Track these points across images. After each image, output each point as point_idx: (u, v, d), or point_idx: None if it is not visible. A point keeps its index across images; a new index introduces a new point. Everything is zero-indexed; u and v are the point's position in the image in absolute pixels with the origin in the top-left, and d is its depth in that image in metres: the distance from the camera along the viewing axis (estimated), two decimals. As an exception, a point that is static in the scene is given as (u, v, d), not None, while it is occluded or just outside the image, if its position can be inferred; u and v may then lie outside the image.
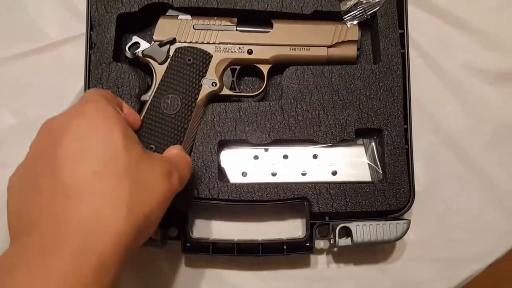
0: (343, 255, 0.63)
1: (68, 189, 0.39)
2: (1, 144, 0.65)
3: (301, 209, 0.60)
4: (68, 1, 0.69)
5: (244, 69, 0.63)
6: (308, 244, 0.58)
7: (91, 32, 0.61)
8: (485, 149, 0.65)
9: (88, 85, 0.60)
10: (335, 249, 0.63)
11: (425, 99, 0.65)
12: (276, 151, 0.61)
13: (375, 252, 0.64)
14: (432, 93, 0.66)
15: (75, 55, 0.66)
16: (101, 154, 0.41)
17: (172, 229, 0.59)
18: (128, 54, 0.62)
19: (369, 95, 0.61)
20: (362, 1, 0.61)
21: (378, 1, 0.61)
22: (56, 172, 0.40)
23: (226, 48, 0.62)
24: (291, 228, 0.64)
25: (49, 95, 0.67)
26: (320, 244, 0.63)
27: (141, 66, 0.62)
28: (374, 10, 0.61)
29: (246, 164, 0.61)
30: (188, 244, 0.59)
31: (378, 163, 0.61)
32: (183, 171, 0.49)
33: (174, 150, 0.52)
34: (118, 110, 0.48)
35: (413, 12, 0.65)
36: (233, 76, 0.63)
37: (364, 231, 0.57)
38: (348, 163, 0.61)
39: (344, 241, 0.58)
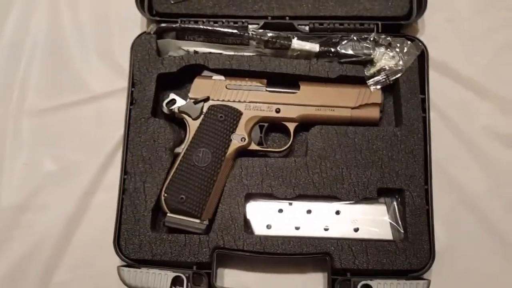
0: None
1: None
2: (42, 188, 0.71)
3: (323, 264, 0.63)
4: (111, 57, 0.76)
5: (271, 126, 0.68)
6: (330, 300, 0.60)
7: (132, 89, 0.67)
8: (504, 212, 0.66)
9: (127, 137, 0.66)
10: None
11: (446, 161, 0.68)
12: (300, 206, 0.65)
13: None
14: (453, 156, 0.69)
15: (115, 108, 0.73)
16: None
17: (198, 277, 0.61)
18: (165, 109, 0.67)
19: (391, 156, 0.64)
20: (385, 68, 0.66)
21: (401, 68, 0.66)
22: None
23: (256, 107, 0.67)
24: (313, 282, 0.66)
25: (87, 145, 0.72)
26: None
27: (176, 121, 0.68)
28: (397, 76, 0.66)
29: (271, 217, 0.65)
30: (213, 294, 0.61)
31: (400, 222, 0.63)
32: None
33: None
34: None
35: (434, 78, 0.70)
36: (261, 133, 0.68)
37: (385, 289, 0.58)
38: (370, 221, 0.63)
39: (365, 299, 0.59)
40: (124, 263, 0.62)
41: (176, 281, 0.60)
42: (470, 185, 0.68)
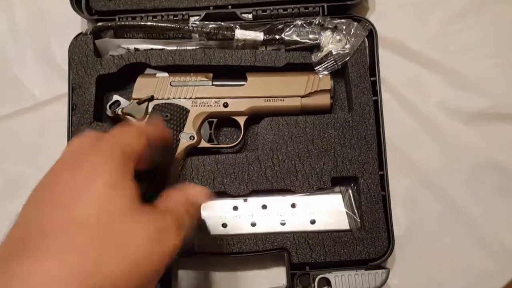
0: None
1: (38, 237, 0.36)
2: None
3: (280, 259, 0.62)
4: (51, 60, 0.73)
5: (221, 121, 0.66)
6: (290, 296, 0.60)
7: (72, 94, 0.65)
8: (463, 188, 0.66)
9: (69, 145, 0.63)
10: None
11: (401, 142, 0.67)
12: (255, 201, 0.64)
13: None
14: (408, 135, 0.68)
15: (58, 115, 0.70)
16: (79, 204, 0.37)
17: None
18: (109, 112, 0.65)
19: (343, 143, 0.63)
20: (332, 52, 0.64)
21: (348, 52, 0.64)
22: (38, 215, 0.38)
23: (203, 103, 0.65)
24: (275, 277, 0.65)
25: (31, 156, 0.70)
26: None
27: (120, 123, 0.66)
28: (345, 60, 0.64)
29: (226, 215, 0.63)
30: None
31: (356, 211, 0.62)
32: (189, 223, 0.43)
33: (179, 198, 0.44)
34: (117, 154, 0.41)
35: (385, 56, 0.68)
36: (210, 129, 0.66)
37: (343, 281, 0.58)
38: (326, 212, 0.62)
39: (324, 291, 0.59)
40: None
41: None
42: (426, 164, 0.67)
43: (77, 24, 0.74)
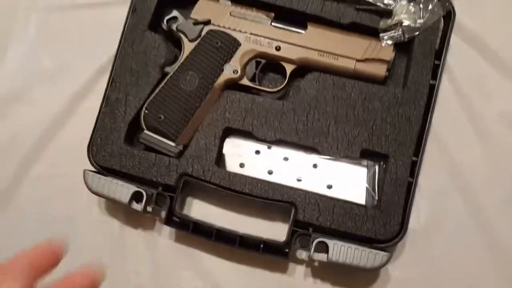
0: (321, 272, 0.63)
1: None
2: (34, 83, 0.72)
3: (284, 213, 0.61)
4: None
5: (269, 65, 0.65)
6: (286, 250, 0.59)
7: (136, -2, 0.66)
8: (499, 205, 0.61)
9: (119, 46, 0.65)
10: (316, 263, 0.62)
11: (447, 135, 0.64)
12: (278, 151, 0.63)
13: (356, 279, 0.63)
14: (456, 132, 0.64)
15: (120, 16, 0.70)
16: None
17: (161, 198, 0.62)
18: (164, 26, 0.66)
19: (385, 118, 0.60)
20: (402, 23, 0.60)
21: (419, 26, 0.60)
22: None
23: (256, 40, 0.64)
24: (276, 231, 0.64)
25: (87, 50, 0.72)
26: (302, 254, 0.62)
27: (173, 39, 0.66)
28: (414, 34, 0.61)
29: (246, 156, 0.63)
30: (172, 218, 0.61)
31: (376, 189, 0.60)
32: None
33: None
34: None
35: (456, 43, 0.64)
36: (256, 69, 0.65)
37: (341, 251, 0.57)
38: (346, 181, 0.61)
39: (319, 256, 0.58)
40: (93, 169, 0.63)
41: (137, 196, 0.61)
42: (468, 167, 0.63)
43: None
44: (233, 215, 0.66)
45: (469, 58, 0.65)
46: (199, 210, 0.66)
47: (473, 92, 0.64)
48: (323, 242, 0.57)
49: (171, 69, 0.64)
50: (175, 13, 0.66)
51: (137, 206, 0.61)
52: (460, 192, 0.63)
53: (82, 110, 0.71)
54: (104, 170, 0.63)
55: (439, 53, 0.61)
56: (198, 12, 0.65)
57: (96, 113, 0.66)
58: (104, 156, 0.63)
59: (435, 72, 0.61)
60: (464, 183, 0.63)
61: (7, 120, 0.72)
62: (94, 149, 0.63)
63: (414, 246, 0.62)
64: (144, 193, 0.60)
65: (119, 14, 0.71)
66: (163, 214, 0.62)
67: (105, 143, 0.63)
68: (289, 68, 0.64)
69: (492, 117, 0.64)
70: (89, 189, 0.62)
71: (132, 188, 0.61)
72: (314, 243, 0.57)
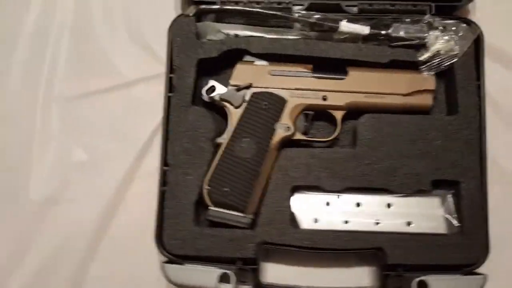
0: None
1: None
2: (73, 179, 0.69)
3: (369, 259, 0.62)
4: (142, 40, 0.73)
5: (316, 115, 0.66)
6: (381, 296, 0.59)
7: (171, 75, 0.65)
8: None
9: (167, 126, 0.64)
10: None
11: (497, 152, 0.66)
12: (349, 198, 0.63)
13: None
14: (505, 148, 0.67)
15: (147, 95, 0.71)
16: None
17: (243, 273, 0.60)
18: (205, 97, 0.65)
19: (445, 146, 0.62)
20: (439, 52, 0.63)
21: (457, 53, 0.63)
22: None
23: (301, 94, 0.64)
24: (357, 277, 0.65)
25: (119, 133, 0.71)
26: None
27: (215, 109, 0.66)
28: (452, 61, 0.64)
29: (318, 210, 0.63)
30: (259, 290, 0.60)
31: (454, 215, 0.62)
32: None
33: None
34: None
35: (488, 65, 0.66)
36: (306, 121, 0.65)
37: (442, 285, 0.58)
38: (423, 214, 0.62)
39: (419, 295, 0.58)
40: (166, 259, 0.61)
41: (222, 277, 0.59)
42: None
43: (169, 7, 0.73)
44: (310, 270, 0.66)
45: (500, 76, 0.69)
46: (278, 273, 0.65)
47: (509, 105, 0.68)
48: (422, 281, 0.58)
49: (222, 139, 0.64)
50: (212, 82, 0.66)
51: (227, 287, 0.59)
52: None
53: (129, 198, 0.69)
54: (178, 258, 0.61)
55: (477, 74, 0.64)
56: (238, 77, 0.65)
57: (145, 199, 0.65)
58: (177, 244, 0.61)
59: (478, 92, 0.64)
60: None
61: (52, 224, 0.68)
62: (164, 239, 0.61)
63: (493, 261, 0.63)
64: (232, 273, 0.58)
65: (145, 92, 0.71)
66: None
67: (175, 229, 0.61)
68: (338, 114, 0.65)
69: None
70: (171, 282, 0.59)
71: (216, 271, 0.59)
72: (414, 284, 0.58)
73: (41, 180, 0.69)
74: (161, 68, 0.69)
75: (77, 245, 0.67)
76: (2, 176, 0.69)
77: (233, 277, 0.58)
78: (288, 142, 0.64)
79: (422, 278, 0.58)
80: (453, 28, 0.64)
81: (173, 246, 0.61)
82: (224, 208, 0.62)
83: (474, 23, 0.66)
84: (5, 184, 0.69)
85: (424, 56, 0.64)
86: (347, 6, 0.66)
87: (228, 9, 0.66)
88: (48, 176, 0.69)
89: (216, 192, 0.62)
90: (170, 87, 0.65)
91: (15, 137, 0.70)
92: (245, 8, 0.65)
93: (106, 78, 0.72)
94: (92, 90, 0.72)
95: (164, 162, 0.63)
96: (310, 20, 0.65)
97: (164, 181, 0.63)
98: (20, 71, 0.72)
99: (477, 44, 0.65)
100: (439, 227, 0.61)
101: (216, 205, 0.62)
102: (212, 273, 0.59)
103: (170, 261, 0.60)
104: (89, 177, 0.69)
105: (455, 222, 0.62)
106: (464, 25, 0.64)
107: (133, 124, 0.70)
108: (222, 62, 0.67)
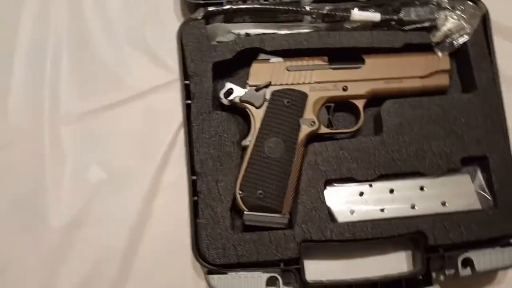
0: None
1: None
2: (94, 200, 0.66)
3: (408, 243, 0.63)
4: (145, 47, 0.70)
5: (338, 105, 0.65)
6: (426, 279, 0.59)
7: (186, 82, 0.63)
8: None
9: (189, 134, 0.62)
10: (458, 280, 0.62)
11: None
12: (381, 186, 0.63)
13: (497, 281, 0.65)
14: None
15: (160, 104, 0.69)
16: None
17: (287, 274, 0.59)
18: (225, 101, 0.64)
19: (469, 123, 0.64)
20: (451, 32, 0.64)
21: (468, 31, 0.64)
22: None
23: (321, 87, 0.64)
24: (395, 262, 0.66)
25: (136, 147, 0.68)
26: (440, 277, 0.62)
27: (236, 111, 0.64)
28: (465, 39, 0.65)
29: (353, 202, 0.63)
30: (305, 289, 0.59)
31: (486, 190, 0.63)
32: None
33: None
34: None
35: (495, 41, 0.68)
36: (328, 114, 0.65)
37: (485, 259, 0.59)
38: (456, 193, 0.63)
39: (465, 271, 0.59)
40: (206, 270, 0.59)
41: (268, 281, 0.58)
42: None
43: (168, 10, 0.71)
44: (351, 262, 0.65)
45: (506, 49, 0.69)
46: (319, 269, 0.64)
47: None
48: (467, 258, 0.59)
49: (248, 142, 0.62)
50: (229, 84, 0.64)
51: (276, 291, 0.58)
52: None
53: (156, 212, 0.66)
54: (220, 267, 0.59)
55: (489, 50, 0.66)
56: (255, 77, 0.63)
57: (172, 210, 0.64)
58: (218, 253, 0.59)
59: (493, 69, 0.65)
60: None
61: (79, 249, 0.64)
62: (204, 249, 0.59)
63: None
64: (278, 277, 0.57)
65: (156, 101, 0.69)
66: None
67: (214, 239, 0.59)
68: (360, 103, 0.65)
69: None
70: (218, 293, 0.57)
71: (262, 276, 0.57)
72: (460, 262, 0.58)
73: (60, 205, 0.65)
74: (171, 75, 0.68)
75: (109, 268, 0.63)
76: (17, 206, 0.65)
77: (279, 280, 0.58)
78: (314, 137, 0.64)
79: (466, 255, 0.59)
80: (461, 7, 0.65)
81: (214, 256, 0.59)
82: (260, 211, 0.61)
83: (480, 1, 0.67)
84: (23, 215, 0.65)
85: (436, 37, 0.65)
86: (355, -6, 0.67)
87: (237, 8, 0.64)
88: (67, 201, 0.65)
89: (250, 196, 0.60)
90: (188, 94, 0.63)
91: (24, 163, 0.66)
92: (254, 6, 0.64)
93: (113, 91, 0.69)
94: (99, 105, 0.69)
95: (192, 171, 0.62)
96: (322, 11, 0.64)
97: (194, 191, 0.61)
98: (20, 92, 0.68)
99: (484, 21, 0.66)
100: (473, 203, 0.62)
101: (252, 209, 0.60)
102: (259, 278, 0.57)
103: (212, 272, 0.59)
104: (111, 195, 0.66)
105: (488, 197, 0.63)
106: (471, 3, 0.66)
107: (149, 135, 0.68)
108: (236, 63, 0.65)
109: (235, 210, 0.62)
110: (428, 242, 0.60)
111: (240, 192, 0.61)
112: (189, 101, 0.63)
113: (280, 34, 0.65)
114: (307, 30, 0.66)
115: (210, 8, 0.64)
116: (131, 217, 0.65)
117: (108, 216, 0.65)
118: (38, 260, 0.63)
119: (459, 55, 0.67)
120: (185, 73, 0.64)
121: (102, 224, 0.65)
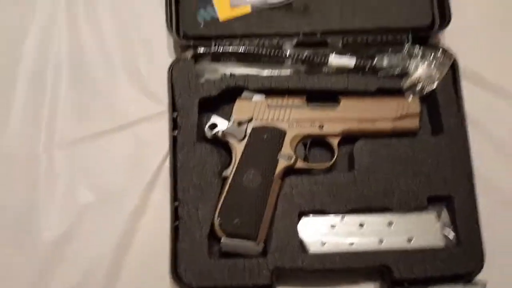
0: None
1: None
2: (81, 221, 0.70)
3: (377, 275, 0.66)
4: (140, 80, 0.76)
5: (313, 142, 0.70)
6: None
7: (174, 114, 0.69)
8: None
9: (174, 164, 0.67)
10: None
11: (481, 165, 0.71)
12: (352, 219, 0.67)
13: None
14: (487, 161, 0.72)
15: (148, 133, 0.74)
16: None
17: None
18: (209, 134, 0.68)
19: (437, 164, 0.68)
20: (421, 78, 0.69)
21: (438, 79, 0.70)
22: None
23: (299, 124, 0.69)
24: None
25: (124, 172, 0.73)
26: None
27: (219, 143, 0.69)
28: (433, 86, 0.70)
29: (324, 233, 0.67)
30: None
31: (451, 228, 0.66)
32: None
33: None
34: None
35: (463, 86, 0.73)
36: (305, 149, 0.70)
37: (446, 296, 0.61)
38: (422, 230, 0.67)
39: (426, 307, 0.62)
40: (183, 293, 0.63)
41: (240, 306, 0.61)
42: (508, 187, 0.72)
43: (163, 46, 0.77)
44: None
45: (476, 95, 0.75)
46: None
47: (489, 122, 0.74)
48: (427, 293, 0.62)
49: (229, 172, 0.67)
50: (214, 118, 0.69)
51: (247, 317, 0.61)
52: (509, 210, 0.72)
53: (139, 234, 0.70)
54: (196, 290, 0.63)
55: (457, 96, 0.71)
56: (239, 112, 0.69)
57: (155, 233, 0.68)
58: (194, 277, 0.63)
59: (460, 113, 0.70)
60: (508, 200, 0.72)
61: (66, 264, 0.68)
62: (182, 273, 0.63)
63: (489, 268, 0.67)
64: (252, 302, 0.61)
65: (146, 130, 0.74)
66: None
67: (191, 263, 0.63)
68: (334, 140, 0.70)
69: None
70: (193, 315, 0.61)
71: (235, 301, 0.61)
72: (421, 297, 0.62)
73: (50, 224, 0.69)
74: (161, 107, 0.73)
75: (95, 281, 0.67)
76: (9, 221, 0.70)
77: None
78: (290, 170, 0.69)
79: (429, 290, 0.62)
80: (431, 56, 0.70)
81: (190, 279, 0.63)
82: (236, 237, 0.64)
83: (448, 50, 0.72)
84: (15, 229, 0.69)
85: (407, 82, 0.70)
86: (332, 41, 0.72)
87: (224, 50, 0.70)
88: (57, 220, 0.70)
89: (228, 223, 0.65)
90: (175, 126, 0.68)
91: (18, 181, 0.71)
92: (243, 49, 0.70)
93: (106, 119, 0.74)
94: (92, 132, 0.74)
95: (175, 197, 0.66)
96: (301, 56, 0.70)
97: (176, 216, 0.65)
98: (20, 115, 0.74)
99: (453, 69, 0.72)
100: (437, 241, 0.66)
101: (229, 236, 0.64)
102: (231, 303, 0.61)
103: (189, 295, 0.62)
104: (97, 217, 0.70)
105: (451, 235, 0.66)
106: (440, 51, 0.71)
107: (137, 162, 0.73)
108: (221, 99, 0.71)
109: (213, 237, 0.66)
110: (393, 275, 0.64)
111: (219, 219, 0.65)
112: (175, 133, 0.68)
113: (264, 75, 0.71)
114: (288, 72, 0.72)
115: (198, 50, 0.70)
116: (114, 237, 0.69)
117: (93, 237, 0.69)
118: (28, 273, 0.67)
119: (428, 99, 0.72)
120: (173, 107, 0.69)
121: (90, 240, 0.69)
